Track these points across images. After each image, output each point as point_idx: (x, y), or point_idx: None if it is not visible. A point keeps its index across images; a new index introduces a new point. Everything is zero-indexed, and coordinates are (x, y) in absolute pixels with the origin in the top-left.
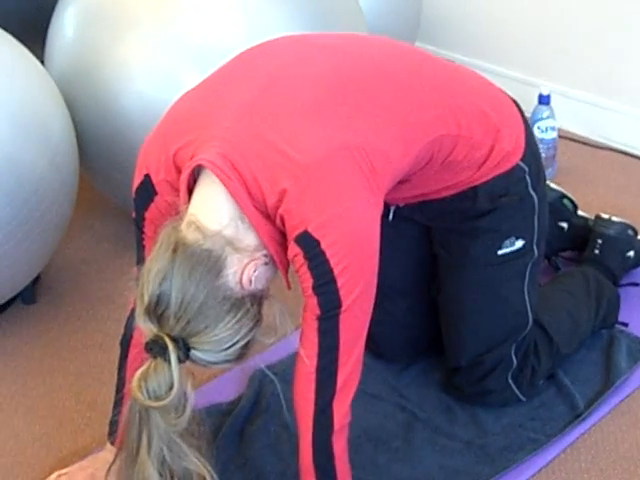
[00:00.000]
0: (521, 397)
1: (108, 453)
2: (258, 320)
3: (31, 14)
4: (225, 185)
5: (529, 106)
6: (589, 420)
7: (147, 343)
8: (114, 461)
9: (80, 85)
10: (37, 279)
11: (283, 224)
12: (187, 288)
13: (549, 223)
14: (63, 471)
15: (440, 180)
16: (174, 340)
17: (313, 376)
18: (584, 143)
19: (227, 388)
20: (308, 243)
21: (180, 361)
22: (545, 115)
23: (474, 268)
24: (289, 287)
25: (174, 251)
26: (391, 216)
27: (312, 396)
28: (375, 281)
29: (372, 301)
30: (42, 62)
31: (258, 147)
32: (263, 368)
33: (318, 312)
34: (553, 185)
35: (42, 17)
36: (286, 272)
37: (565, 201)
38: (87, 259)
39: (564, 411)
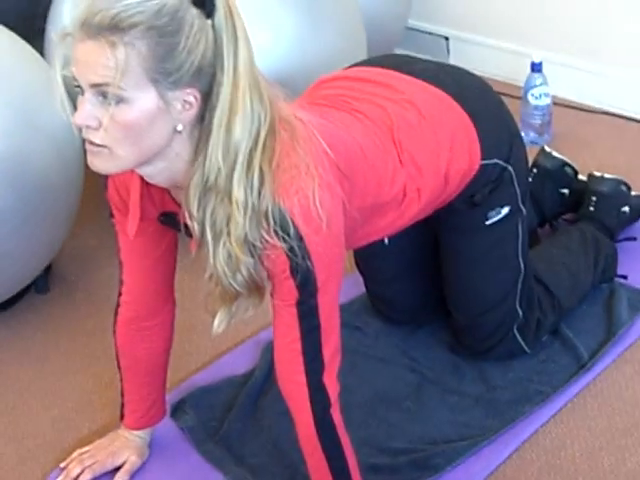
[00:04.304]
0: (526, 349)
1: (126, 432)
2: None
3: (29, 9)
4: None
5: (522, 75)
6: (594, 370)
7: None
8: None
9: None
10: (49, 268)
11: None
12: None
13: (550, 190)
14: (84, 449)
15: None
16: None
17: (300, 358)
18: (578, 108)
19: (241, 361)
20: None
21: None
22: (538, 82)
23: (465, 238)
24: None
25: None
26: (386, 241)
27: (302, 377)
28: (344, 257)
29: (342, 275)
30: (42, 55)
31: None
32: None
33: (297, 295)
34: (555, 153)
35: (40, 11)
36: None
37: (566, 168)
38: (97, 246)
39: (569, 363)
